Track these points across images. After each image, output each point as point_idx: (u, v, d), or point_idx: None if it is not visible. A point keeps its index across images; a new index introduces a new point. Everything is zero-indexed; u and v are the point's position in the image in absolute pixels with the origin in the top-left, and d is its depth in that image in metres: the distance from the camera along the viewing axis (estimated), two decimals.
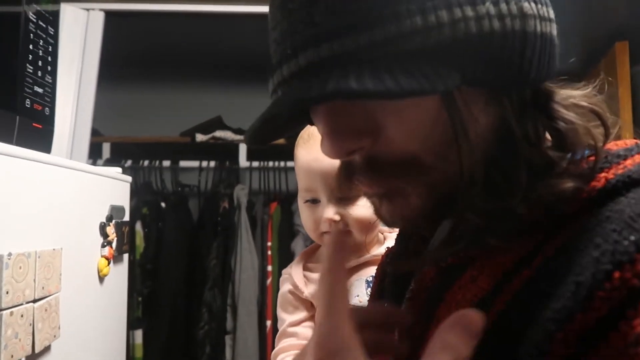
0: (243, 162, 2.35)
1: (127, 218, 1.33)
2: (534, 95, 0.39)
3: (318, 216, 0.90)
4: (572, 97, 0.41)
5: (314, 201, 0.90)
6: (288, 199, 2.34)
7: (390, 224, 0.43)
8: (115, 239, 1.23)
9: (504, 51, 0.35)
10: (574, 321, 0.30)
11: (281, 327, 0.93)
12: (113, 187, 1.28)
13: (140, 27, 2.13)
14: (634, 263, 0.30)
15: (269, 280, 2.18)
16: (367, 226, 0.89)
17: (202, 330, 2.13)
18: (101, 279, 1.18)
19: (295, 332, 0.91)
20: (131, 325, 2.10)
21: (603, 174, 0.36)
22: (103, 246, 1.18)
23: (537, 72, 0.37)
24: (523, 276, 0.35)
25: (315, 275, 0.93)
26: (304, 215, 0.93)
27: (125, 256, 1.36)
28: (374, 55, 0.33)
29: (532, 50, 0.36)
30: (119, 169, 1.35)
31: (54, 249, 0.91)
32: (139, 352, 2.13)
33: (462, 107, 0.36)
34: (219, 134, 2.35)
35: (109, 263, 1.19)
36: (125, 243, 1.31)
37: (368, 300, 0.61)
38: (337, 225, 0.88)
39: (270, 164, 2.37)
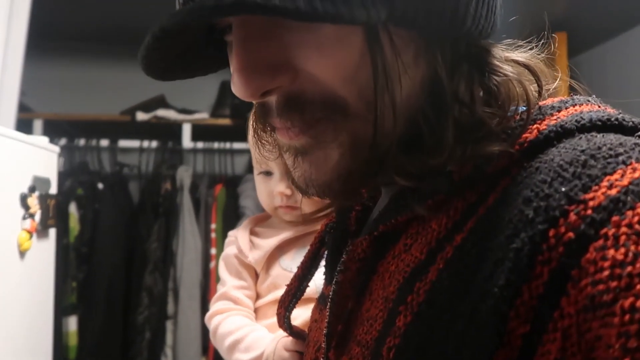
0: (187, 142, 2.26)
1: (53, 191, 1.25)
2: (468, 50, 0.37)
3: (271, 189, 0.88)
4: (509, 56, 0.39)
5: (267, 173, 0.89)
6: (233, 181, 2.28)
7: (303, 190, 0.39)
8: (39, 211, 1.15)
9: None
10: (522, 294, 0.28)
11: (222, 288, 0.90)
12: (38, 156, 1.20)
13: None
14: (567, 216, 0.28)
15: (212, 264, 2.12)
16: (318, 202, 0.88)
17: (142, 315, 2.04)
18: (22, 253, 1.09)
19: (237, 297, 0.88)
20: (64, 311, 1.99)
21: (535, 126, 0.34)
22: (24, 218, 1.10)
23: (473, 22, 0.34)
24: (455, 242, 0.33)
25: (261, 241, 0.90)
26: (259, 187, 0.92)
27: (52, 232, 1.28)
28: None
29: None
30: (46, 139, 1.27)
31: None
32: (72, 340, 2.02)
33: (388, 51, 0.33)
34: (161, 113, 2.25)
35: (30, 237, 1.11)
36: (51, 217, 1.22)
37: (298, 267, 0.59)
38: (289, 199, 0.86)
39: (216, 145, 2.30)
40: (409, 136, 0.36)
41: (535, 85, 0.38)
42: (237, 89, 0.34)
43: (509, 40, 0.41)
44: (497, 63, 0.37)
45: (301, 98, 0.34)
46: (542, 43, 0.41)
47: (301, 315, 0.68)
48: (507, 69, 0.37)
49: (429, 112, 0.36)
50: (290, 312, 0.54)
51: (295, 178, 0.39)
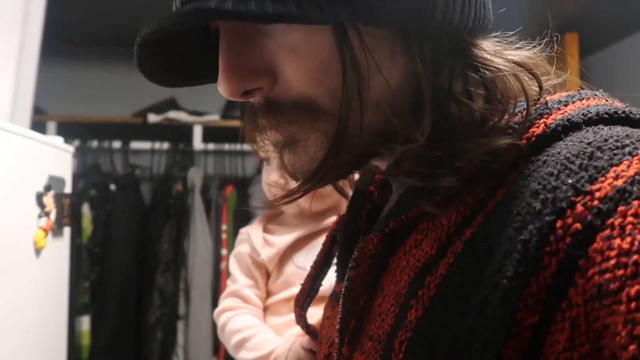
0: (198, 144, 2.29)
1: (68, 190, 1.26)
2: (453, 46, 0.37)
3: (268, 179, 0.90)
4: (503, 53, 0.39)
5: (268, 161, 0.90)
6: (244, 183, 2.30)
7: (292, 176, 0.41)
8: (54, 210, 1.16)
9: None
10: (531, 286, 0.28)
11: (232, 285, 0.91)
12: (53, 156, 1.21)
13: (91, 1, 2.03)
14: (574, 207, 0.28)
15: (223, 264, 2.13)
16: (312, 195, 0.89)
17: (154, 315, 2.06)
18: (37, 251, 1.11)
19: (247, 296, 0.88)
20: (77, 311, 2.01)
21: (542, 120, 0.35)
22: (40, 217, 1.11)
23: (445, 17, 0.34)
24: (465, 236, 0.33)
25: (274, 239, 0.91)
26: (263, 177, 0.94)
27: (67, 231, 1.29)
28: None
29: None
30: (61, 139, 1.28)
31: None
32: (85, 340, 2.04)
33: (358, 50, 0.34)
34: (172, 115, 2.27)
35: (46, 235, 1.12)
36: (66, 216, 1.24)
37: (311, 267, 0.60)
38: (284, 189, 0.87)
39: (226, 146, 2.32)
40: (389, 130, 0.37)
41: (534, 81, 0.38)
42: (221, 87, 0.37)
43: (499, 34, 0.40)
44: (488, 57, 0.37)
45: (276, 101, 0.37)
46: (547, 42, 0.41)
47: (315, 314, 0.69)
48: (500, 62, 0.37)
49: (405, 107, 0.37)
50: (305, 311, 0.55)
51: (284, 165, 0.42)
